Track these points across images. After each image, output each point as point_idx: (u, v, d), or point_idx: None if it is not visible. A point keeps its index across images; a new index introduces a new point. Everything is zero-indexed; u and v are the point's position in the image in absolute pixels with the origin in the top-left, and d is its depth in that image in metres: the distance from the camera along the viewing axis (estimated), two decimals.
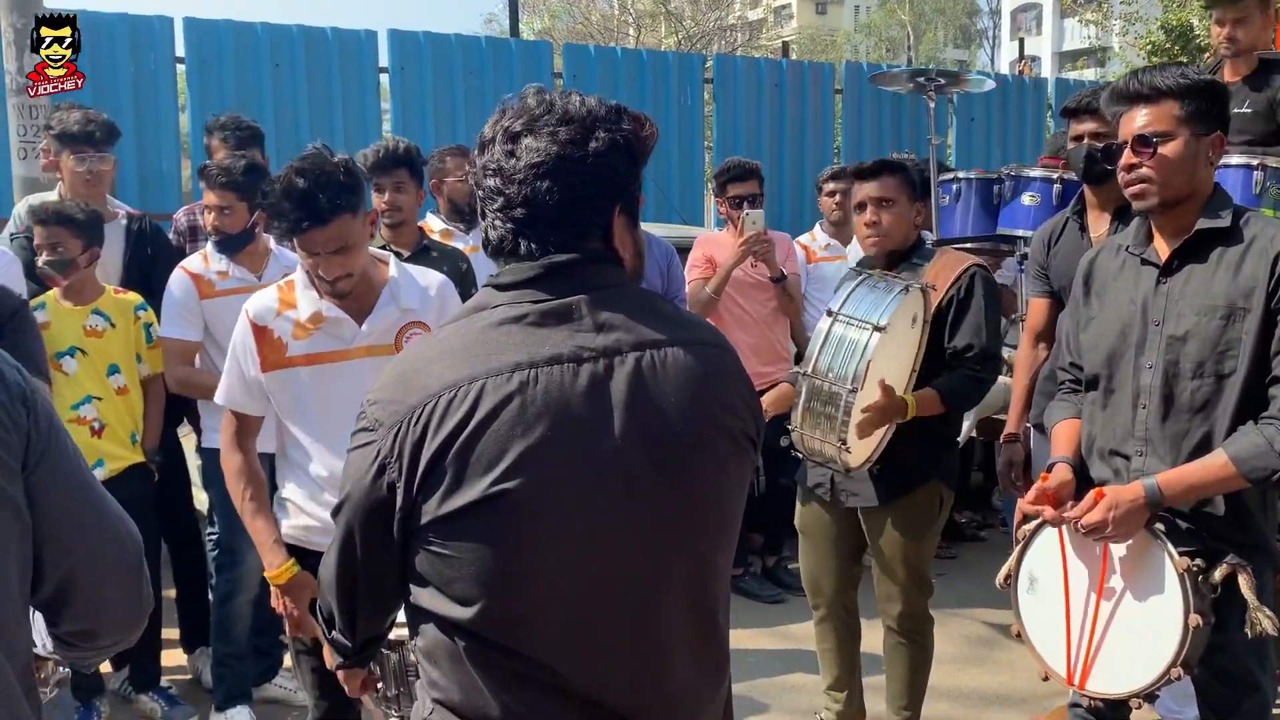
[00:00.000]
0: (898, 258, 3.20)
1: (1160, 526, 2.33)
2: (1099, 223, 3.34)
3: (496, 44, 7.29)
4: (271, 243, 3.85)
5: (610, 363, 1.37)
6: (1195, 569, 2.26)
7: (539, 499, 1.33)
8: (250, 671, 3.77)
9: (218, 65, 6.45)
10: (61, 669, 1.74)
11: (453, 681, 1.39)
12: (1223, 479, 2.24)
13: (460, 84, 7.09)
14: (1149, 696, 2.36)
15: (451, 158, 4.49)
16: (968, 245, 4.23)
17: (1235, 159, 3.48)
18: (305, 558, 2.51)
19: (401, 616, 1.55)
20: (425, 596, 1.39)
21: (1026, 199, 3.90)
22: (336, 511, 1.45)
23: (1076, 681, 2.46)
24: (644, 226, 1.60)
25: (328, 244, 2.37)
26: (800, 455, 3.14)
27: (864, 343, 2.81)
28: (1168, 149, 2.30)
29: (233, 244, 3.66)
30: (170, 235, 4.27)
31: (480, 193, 1.43)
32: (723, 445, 1.45)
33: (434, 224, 4.53)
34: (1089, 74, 36.77)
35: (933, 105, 4.13)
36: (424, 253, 3.89)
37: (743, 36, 33.93)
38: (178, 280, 3.64)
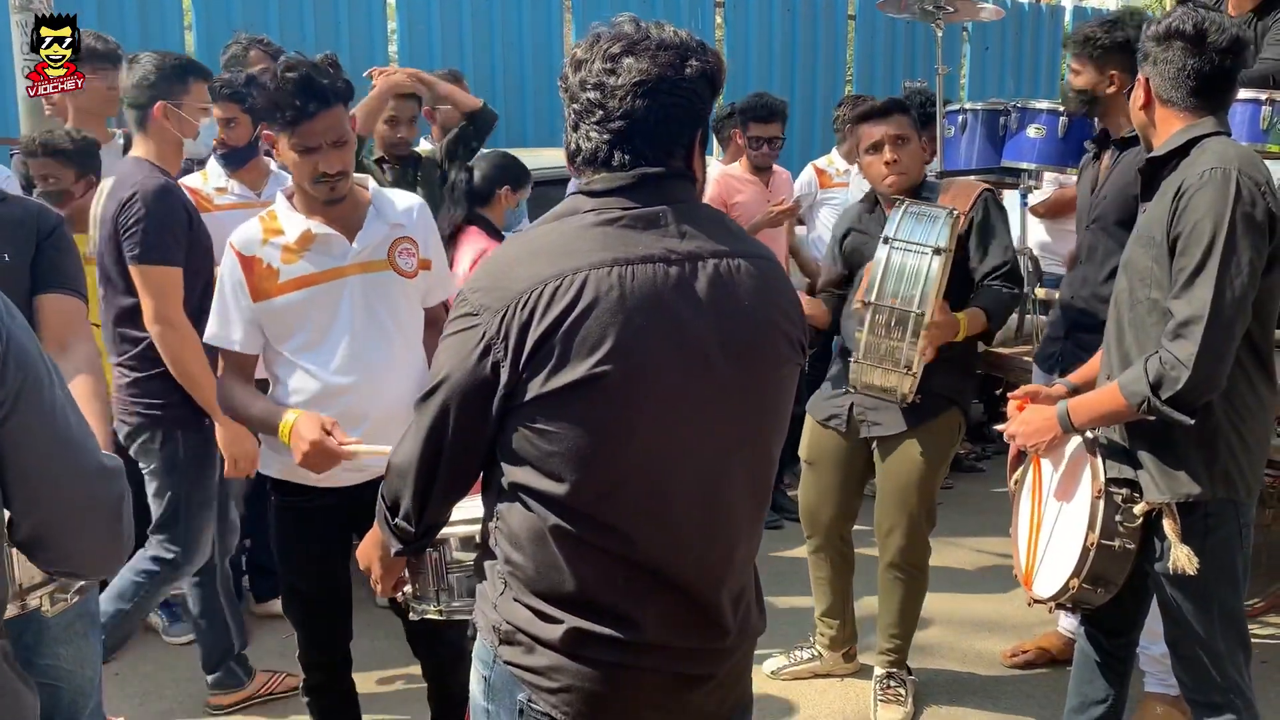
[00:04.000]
0: (909, 193, 3.21)
1: (1102, 443, 2.40)
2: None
3: None
4: (273, 164, 3.85)
5: (694, 266, 1.52)
6: (1115, 495, 2.33)
7: (633, 381, 1.47)
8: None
9: None
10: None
11: (531, 560, 1.53)
12: (1118, 406, 2.28)
13: (467, 4, 7.01)
14: (1069, 608, 2.51)
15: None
16: (972, 177, 4.22)
17: (1243, 94, 3.44)
18: (299, 494, 2.54)
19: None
20: (519, 474, 1.52)
21: (1032, 131, 3.86)
22: (427, 397, 1.55)
23: (1030, 585, 2.58)
24: None
25: (328, 132, 2.36)
26: (852, 389, 3.18)
27: (926, 266, 2.91)
28: None
29: (238, 157, 3.68)
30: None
31: (575, 105, 1.53)
32: (781, 346, 1.61)
33: (429, 149, 4.56)
34: (1110, 2, 35.89)
35: (940, 34, 4.06)
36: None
37: None
38: None
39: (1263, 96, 3.42)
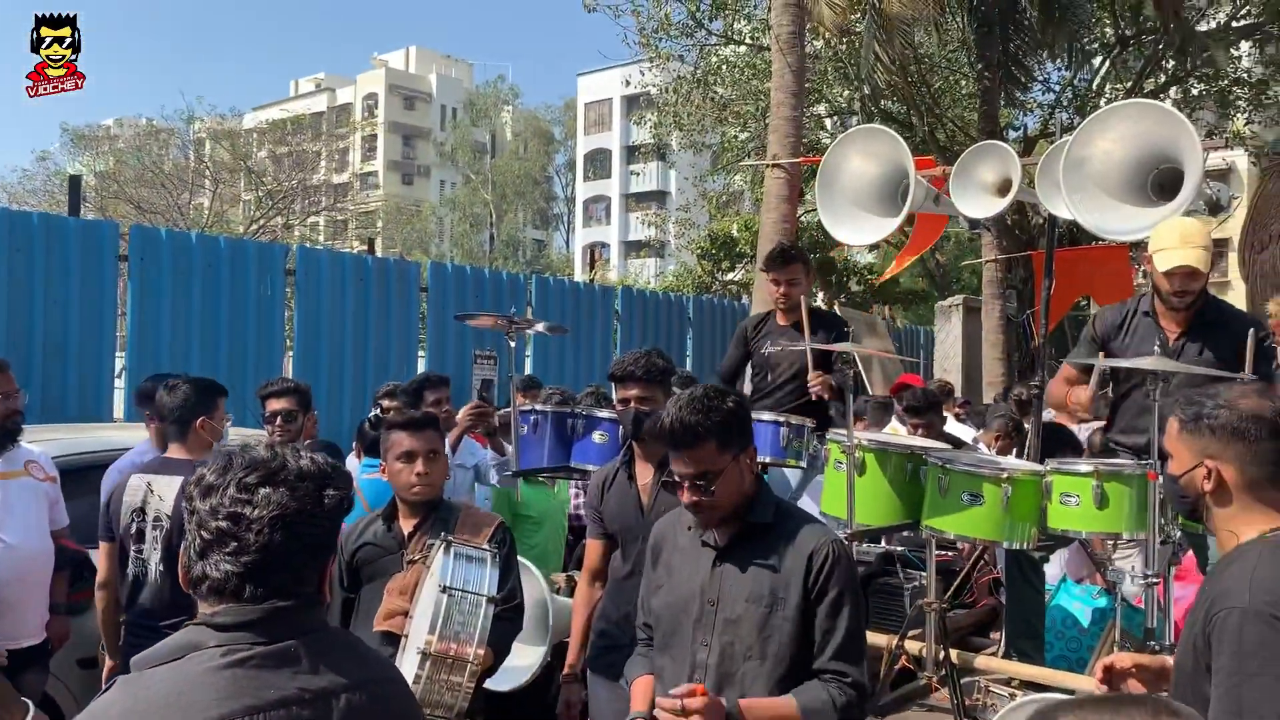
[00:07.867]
0: (431, 505, 3.37)
1: None
2: (645, 472, 3.69)
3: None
4: None
5: (328, 704, 1.50)
6: None
7: None
8: None
9: None
10: None
11: None
12: None
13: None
14: None
15: None
16: (544, 474, 4.47)
17: (765, 416, 4.02)
18: None
19: None
20: None
21: (597, 437, 4.21)
22: None
23: None
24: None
25: None
26: None
27: (481, 613, 2.98)
28: (719, 482, 2.52)
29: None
30: None
31: (204, 533, 1.48)
32: None
33: None
34: (651, 264, 40.60)
35: (513, 345, 4.38)
36: None
37: (328, 200, 33.83)
38: None
39: (780, 419, 4.01)
